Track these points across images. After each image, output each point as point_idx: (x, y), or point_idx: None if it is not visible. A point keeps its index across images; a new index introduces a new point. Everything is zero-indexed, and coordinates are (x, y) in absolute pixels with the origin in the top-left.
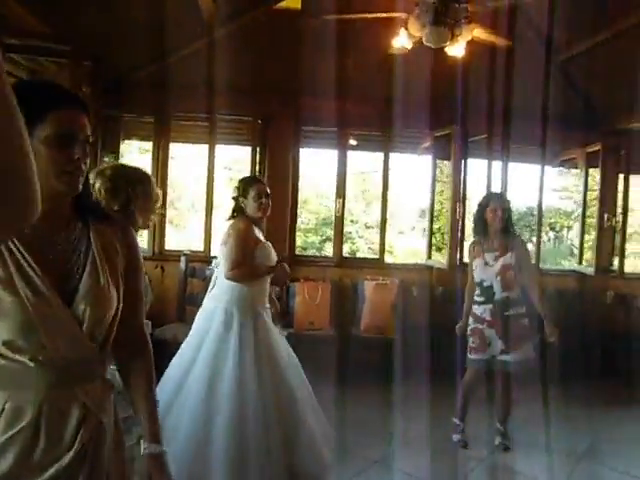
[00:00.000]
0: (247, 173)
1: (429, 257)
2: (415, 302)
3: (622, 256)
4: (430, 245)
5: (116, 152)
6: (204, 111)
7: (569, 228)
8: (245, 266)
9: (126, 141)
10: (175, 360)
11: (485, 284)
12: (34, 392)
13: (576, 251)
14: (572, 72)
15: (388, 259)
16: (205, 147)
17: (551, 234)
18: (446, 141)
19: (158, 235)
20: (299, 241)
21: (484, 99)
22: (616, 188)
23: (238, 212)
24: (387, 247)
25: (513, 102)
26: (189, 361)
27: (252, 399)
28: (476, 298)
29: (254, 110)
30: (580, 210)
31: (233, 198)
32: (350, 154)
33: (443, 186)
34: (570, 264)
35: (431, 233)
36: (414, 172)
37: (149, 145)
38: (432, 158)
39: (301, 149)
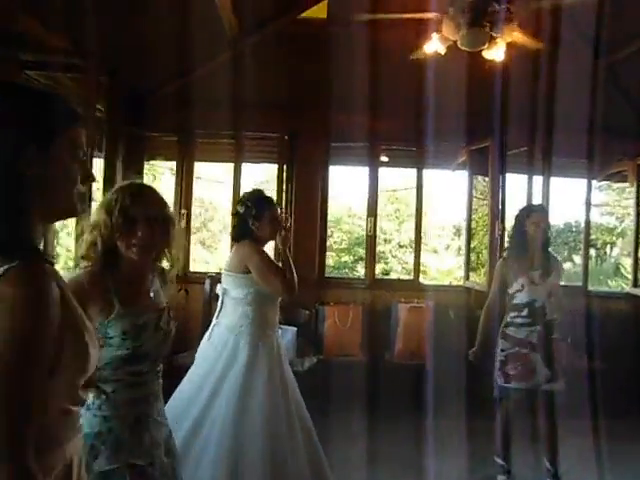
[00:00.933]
0: (275, 191)
1: (467, 278)
2: (453, 326)
3: None
4: (468, 265)
5: (141, 172)
6: (229, 128)
7: (612, 245)
8: (283, 276)
9: (151, 161)
10: (188, 393)
11: (537, 304)
12: None
13: (624, 270)
14: (621, 76)
15: (422, 280)
16: (231, 166)
17: (592, 252)
18: (483, 155)
19: (182, 256)
20: (332, 261)
21: (524, 109)
22: None
23: (246, 235)
24: (421, 267)
25: (556, 111)
26: (208, 397)
27: (283, 440)
28: (516, 320)
29: (281, 126)
30: (625, 225)
31: (238, 214)
32: (382, 171)
33: (476, 203)
34: (617, 284)
35: (469, 253)
36: (448, 188)
37: (174, 164)
38: (468, 173)
39: (331, 166)
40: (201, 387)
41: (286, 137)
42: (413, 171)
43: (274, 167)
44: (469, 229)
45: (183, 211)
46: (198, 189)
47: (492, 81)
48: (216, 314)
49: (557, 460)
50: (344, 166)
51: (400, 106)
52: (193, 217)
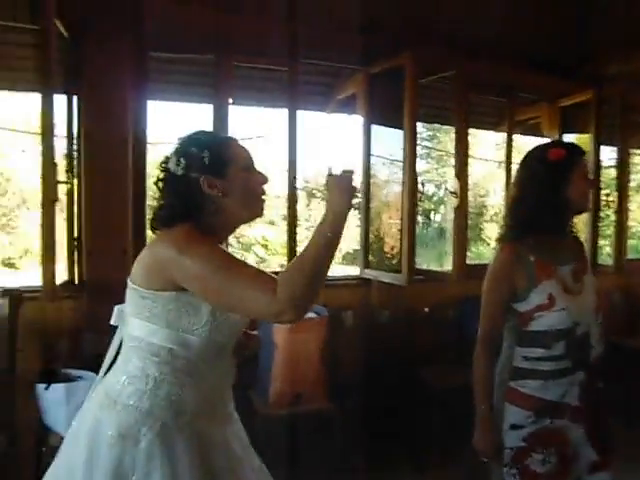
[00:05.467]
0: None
1: (366, 265)
2: (352, 341)
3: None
4: (366, 247)
5: None
6: None
7: (435, 212)
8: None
9: None
10: None
11: (578, 331)
12: None
13: (485, 236)
14: None
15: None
16: None
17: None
18: (387, 82)
19: None
20: None
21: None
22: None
23: (188, 214)
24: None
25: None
26: None
27: None
28: (541, 365)
29: (58, 20)
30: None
31: (171, 178)
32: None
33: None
34: (479, 251)
35: (367, 230)
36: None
37: None
38: (366, 112)
39: (151, 100)
40: None
41: (66, 35)
42: (278, 113)
43: (38, 98)
44: (367, 194)
45: None
46: None
47: None
48: (104, 366)
49: None
50: (173, 101)
51: None
52: None
